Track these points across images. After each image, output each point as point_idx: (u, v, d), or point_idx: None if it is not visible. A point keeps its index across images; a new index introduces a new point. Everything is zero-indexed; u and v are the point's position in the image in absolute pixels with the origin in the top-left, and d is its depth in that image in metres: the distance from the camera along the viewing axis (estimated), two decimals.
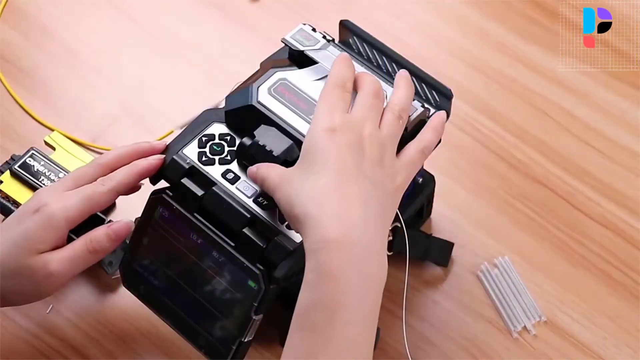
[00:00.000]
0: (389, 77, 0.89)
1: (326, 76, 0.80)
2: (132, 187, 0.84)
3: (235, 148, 0.82)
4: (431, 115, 0.84)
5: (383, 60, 0.89)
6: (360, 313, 0.71)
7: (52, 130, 0.99)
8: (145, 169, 0.82)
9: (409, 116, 0.82)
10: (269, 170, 0.77)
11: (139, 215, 0.85)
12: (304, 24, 0.89)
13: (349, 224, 0.71)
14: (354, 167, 0.73)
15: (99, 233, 0.82)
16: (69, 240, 0.90)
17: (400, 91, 0.81)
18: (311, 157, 0.74)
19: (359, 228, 0.71)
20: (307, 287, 0.71)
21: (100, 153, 1.00)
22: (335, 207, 0.71)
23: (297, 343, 0.71)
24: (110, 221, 0.92)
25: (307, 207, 0.72)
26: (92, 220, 0.93)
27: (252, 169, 0.78)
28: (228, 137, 0.83)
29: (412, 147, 0.80)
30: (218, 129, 0.84)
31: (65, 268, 0.80)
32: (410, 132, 0.83)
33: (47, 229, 0.80)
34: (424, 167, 0.93)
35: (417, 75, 0.88)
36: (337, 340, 0.70)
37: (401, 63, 0.89)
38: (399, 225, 0.86)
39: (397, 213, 0.83)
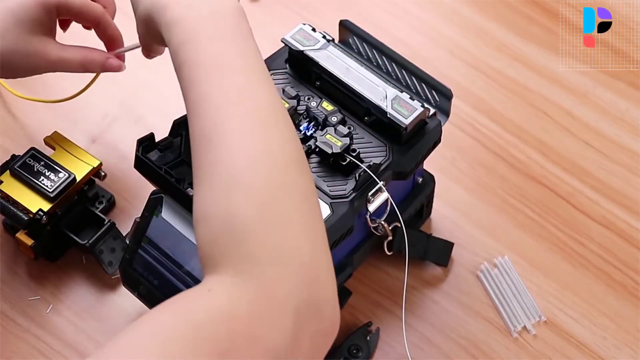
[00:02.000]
0: (389, 77, 0.89)
1: None
2: None
3: None
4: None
5: (383, 60, 0.89)
6: (222, 32, 0.69)
7: (52, 130, 0.99)
8: None
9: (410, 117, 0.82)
10: None
11: (139, 215, 0.85)
12: (304, 24, 0.89)
13: None
14: None
15: (98, 56, 0.88)
16: (65, 238, 0.91)
17: None
18: None
19: None
20: (171, 48, 0.71)
21: (100, 153, 1.00)
22: None
23: (186, 94, 0.70)
24: (110, 220, 0.92)
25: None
26: (92, 220, 0.93)
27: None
28: None
29: None
30: None
31: (61, 65, 0.87)
32: (409, 133, 0.84)
33: (42, 12, 0.85)
34: (424, 167, 0.93)
35: (417, 75, 0.88)
36: (210, 59, 0.68)
37: (401, 63, 0.89)
38: (399, 225, 0.86)
39: (397, 213, 0.83)
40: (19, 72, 0.88)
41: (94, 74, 0.92)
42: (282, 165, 0.65)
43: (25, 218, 0.90)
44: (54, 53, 0.87)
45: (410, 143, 0.85)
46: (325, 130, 0.83)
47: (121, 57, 0.90)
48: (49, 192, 0.90)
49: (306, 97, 0.86)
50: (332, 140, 0.82)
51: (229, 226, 0.62)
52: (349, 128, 0.85)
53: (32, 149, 0.93)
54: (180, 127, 0.83)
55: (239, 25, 0.71)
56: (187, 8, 0.71)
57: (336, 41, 0.90)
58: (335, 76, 0.86)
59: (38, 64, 0.87)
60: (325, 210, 0.80)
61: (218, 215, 0.63)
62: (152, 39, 0.77)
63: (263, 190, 0.63)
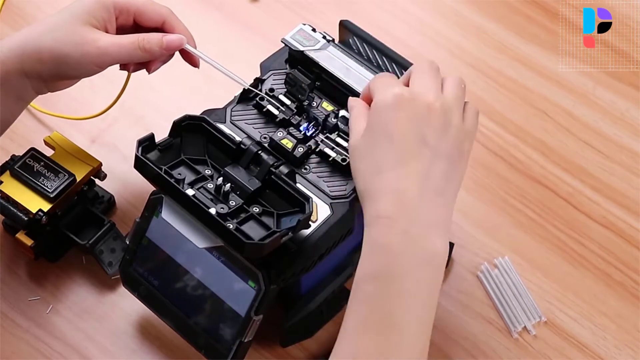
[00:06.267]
0: None
1: None
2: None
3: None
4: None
5: (383, 60, 0.89)
6: (414, 285, 0.72)
7: (52, 130, 0.99)
8: None
9: None
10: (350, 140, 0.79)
11: (139, 215, 0.85)
12: (304, 24, 0.89)
13: (403, 201, 0.73)
14: (417, 140, 0.74)
15: (153, 36, 0.87)
16: (65, 238, 0.91)
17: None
18: (375, 130, 0.75)
19: (413, 204, 0.73)
20: (362, 260, 0.73)
21: (100, 153, 1.00)
22: (392, 184, 0.73)
23: (351, 314, 0.73)
24: (110, 221, 0.92)
25: (365, 184, 0.75)
26: (92, 220, 0.93)
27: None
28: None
29: (467, 111, 0.78)
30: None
31: (113, 49, 0.86)
32: None
33: (98, 6, 0.87)
34: None
35: None
36: (388, 312, 0.71)
37: (401, 63, 0.89)
38: None
39: None
40: (69, 63, 0.87)
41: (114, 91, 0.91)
42: None
43: (25, 218, 0.90)
44: (104, 39, 0.87)
45: None
46: (335, 134, 0.84)
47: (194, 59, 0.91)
48: (48, 192, 0.90)
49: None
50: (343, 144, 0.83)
51: None
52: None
53: (32, 149, 0.93)
54: (180, 127, 0.83)
55: (435, 283, 0.73)
56: (404, 240, 0.72)
57: (336, 41, 0.90)
58: (335, 76, 0.86)
59: (87, 51, 0.86)
60: (325, 211, 0.80)
61: None
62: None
63: None
